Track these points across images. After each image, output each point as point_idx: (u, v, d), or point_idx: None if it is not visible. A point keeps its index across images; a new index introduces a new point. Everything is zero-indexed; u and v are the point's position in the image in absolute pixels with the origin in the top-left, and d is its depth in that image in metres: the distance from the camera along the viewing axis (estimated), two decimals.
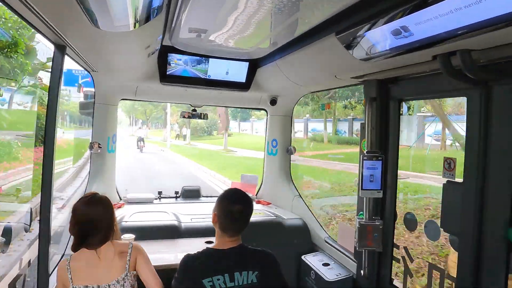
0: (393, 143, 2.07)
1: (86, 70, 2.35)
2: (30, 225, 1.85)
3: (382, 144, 2.10)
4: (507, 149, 1.41)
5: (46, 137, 1.64)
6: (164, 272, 1.97)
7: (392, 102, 2.07)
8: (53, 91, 1.65)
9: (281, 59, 2.29)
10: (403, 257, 2.06)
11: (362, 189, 2.01)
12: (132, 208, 3.04)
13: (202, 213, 2.95)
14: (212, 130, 34.62)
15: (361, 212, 2.15)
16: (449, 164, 1.68)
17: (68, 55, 1.77)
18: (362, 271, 2.17)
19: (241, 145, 24.41)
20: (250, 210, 1.69)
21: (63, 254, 2.33)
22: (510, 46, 1.26)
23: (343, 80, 2.28)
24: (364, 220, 2.06)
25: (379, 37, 1.51)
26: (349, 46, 1.67)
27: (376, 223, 2.03)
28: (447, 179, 1.68)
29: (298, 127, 23.94)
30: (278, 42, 2.11)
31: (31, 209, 1.82)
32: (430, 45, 1.35)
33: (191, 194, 3.64)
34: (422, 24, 1.26)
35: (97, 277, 1.64)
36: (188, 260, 1.61)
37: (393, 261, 2.10)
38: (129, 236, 2.36)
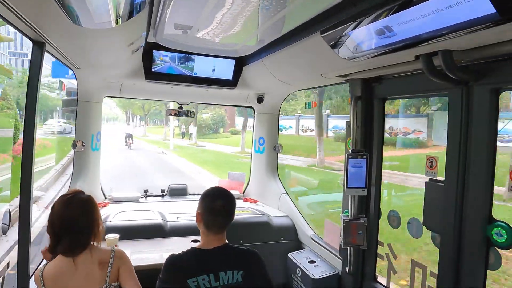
0: (377, 142, 2.10)
1: (68, 67, 2.29)
2: (9, 225, 1.78)
3: (367, 142, 2.12)
4: (486, 148, 1.44)
5: (25, 137, 1.58)
6: (149, 272, 1.95)
7: (376, 101, 2.09)
8: (32, 89, 1.59)
9: (268, 57, 2.28)
10: (387, 254, 2.09)
11: (347, 187, 2.03)
12: (117, 207, 3.00)
13: (188, 211, 2.93)
14: (219, 127, 30.05)
15: (346, 210, 2.18)
16: (431, 163, 1.71)
17: (48, 51, 1.72)
18: (347, 268, 2.20)
19: None
20: (232, 204, 1.69)
21: None
22: (489, 47, 1.28)
23: (329, 79, 2.29)
24: (348, 218, 2.08)
25: (364, 36, 1.52)
26: (334, 45, 1.68)
27: (361, 220, 2.06)
28: (429, 177, 1.71)
29: (313, 124, 20.13)
30: (265, 39, 2.10)
31: (9, 209, 1.76)
32: (412, 45, 1.36)
33: (178, 192, 3.61)
34: (405, 24, 1.27)
35: (73, 287, 1.47)
36: (173, 260, 1.60)
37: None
38: (113, 236, 2.32)
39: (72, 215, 1.51)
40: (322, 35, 1.65)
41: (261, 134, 3.60)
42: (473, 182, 1.49)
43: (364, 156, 2.03)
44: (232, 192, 1.79)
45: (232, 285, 1.55)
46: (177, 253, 1.64)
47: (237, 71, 2.78)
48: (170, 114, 3.34)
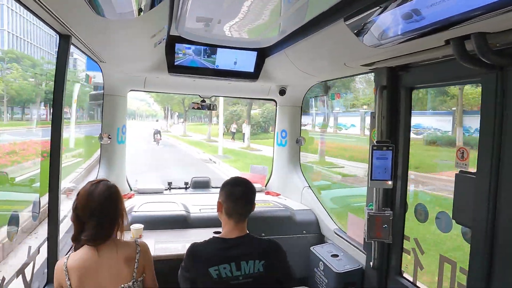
0: (404, 133, 2.02)
1: (94, 61, 2.35)
2: (38, 213, 1.87)
3: (393, 133, 2.05)
4: None
5: (52, 133, 1.63)
6: (172, 262, 2.00)
7: (403, 90, 2.01)
8: (59, 83, 1.64)
9: (290, 47, 2.24)
10: (413, 249, 2.02)
11: (371, 179, 1.97)
12: (142, 199, 3.07)
13: (211, 203, 2.96)
14: (269, 125, 24.68)
15: (371, 203, 2.12)
16: (462, 154, 1.63)
17: (74, 45, 1.76)
18: (371, 263, 2.15)
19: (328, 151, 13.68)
20: (251, 191, 1.73)
21: None
22: None
23: (353, 69, 2.23)
24: (373, 211, 2.02)
25: (390, 22, 1.45)
26: (358, 32, 1.62)
27: (386, 214, 1.99)
28: (460, 169, 1.63)
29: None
30: (287, 29, 2.06)
31: (39, 198, 1.85)
32: (442, 29, 1.29)
33: (201, 184, 3.65)
34: (434, 6, 1.20)
35: (98, 282, 1.43)
36: (195, 248, 1.62)
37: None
38: (138, 226, 2.39)
39: (96, 201, 1.48)
40: (346, 22, 1.59)
41: (283, 127, 3.58)
42: (507, 173, 1.40)
43: (390, 148, 1.96)
44: (254, 185, 1.80)
45: (253, 274, 1.55)
46: (198, 241, 1.66)
47: (259, 63, 2.76)
48: (193, 108, 3.37)
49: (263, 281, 1.57)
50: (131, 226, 2.37)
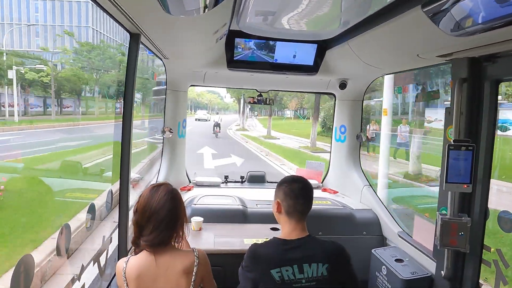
0: (487, 131, 1.80)
1: (159, 57, 2.44)
2: (111, 203, 2.00)
3: (473, 131, 1.84)
4: None
5: (123, 126, 1.72)
6: (231, 256, 2.03)
7: (487, 83, 1.79)
8: (129, 80, 1.72)
9: (354, 39, 2.11)
10: (495, 260, 1.81)
11: (446, 182, 1.80)
12: (201, 191, 3.16)
13: (267, 198, 2.95)
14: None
15: (443, 207, 1.94)
16: None
17: (142, 43, 1.83)
18: (442, 272, 1.97)
19: None
20: (310, 188, 1.71)
21: None
22: None
23: (426, 60, 2.04)
24: (448, 217, 1.84)
25: (478, 6, 1.28)
26: (438, 19, 1.46)
27: (463, 220, 1.80)
28: None
29: None
30: (350, 20, 1.94)
31: (111, 189, 1.97)
32: None
33: (257, 179, 3.66)
34: None
35: None
36: (256, 249, 1.60)
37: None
38: (198, 219, 2.46)
39: (154, 206, 1.45)
40: (424, 9, 1.44)
41: (343, 122, 3.43)
42: None
43: (470, 148, 1.76)
44: (310, 181, 1.76)
45: (317, 278, 1.50)
46: (259, 242, 1.64)
47: (319, 56, 2.66)
48: (250, 102, 3.38)
49: (327, 285, 1.51)
50: (191, 219, 2.45)
